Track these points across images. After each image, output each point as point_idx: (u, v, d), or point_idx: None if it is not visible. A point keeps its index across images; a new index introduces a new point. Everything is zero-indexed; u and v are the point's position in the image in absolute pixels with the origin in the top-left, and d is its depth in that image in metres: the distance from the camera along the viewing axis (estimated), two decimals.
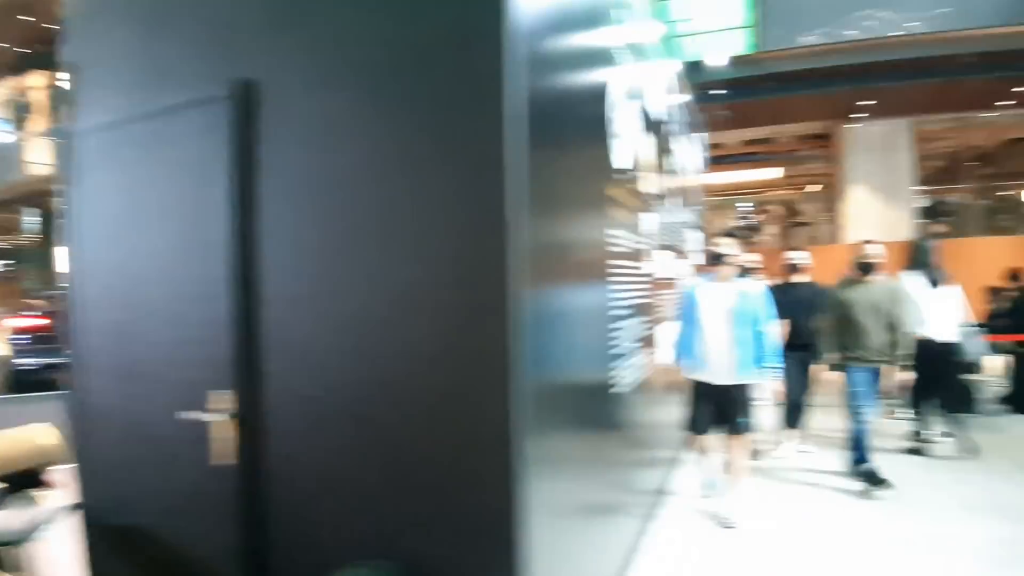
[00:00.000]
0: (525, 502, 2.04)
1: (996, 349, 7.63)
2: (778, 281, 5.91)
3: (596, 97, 3.21)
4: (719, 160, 17.23)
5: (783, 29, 10.62)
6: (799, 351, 5.54)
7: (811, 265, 5.88)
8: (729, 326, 4.26)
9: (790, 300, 5.56)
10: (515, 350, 2.01)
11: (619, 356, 3.47)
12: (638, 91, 4.27)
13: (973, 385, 7.11)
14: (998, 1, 9.85)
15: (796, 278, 5.87)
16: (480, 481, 2.06)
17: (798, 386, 5.70)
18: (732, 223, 17.16)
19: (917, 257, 6.05)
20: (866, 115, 13.53)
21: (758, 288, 4.39)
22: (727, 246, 4.37)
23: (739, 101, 12.20)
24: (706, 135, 9.34)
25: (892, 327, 4.94)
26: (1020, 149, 16.93)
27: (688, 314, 4.43)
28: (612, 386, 3.34)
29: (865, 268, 5.05)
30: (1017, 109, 14.05)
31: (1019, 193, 18.93)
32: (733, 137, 16.30)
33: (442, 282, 2.08)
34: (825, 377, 5.39)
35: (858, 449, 5.01)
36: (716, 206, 19.76)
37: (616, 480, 3.55)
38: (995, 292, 8.19)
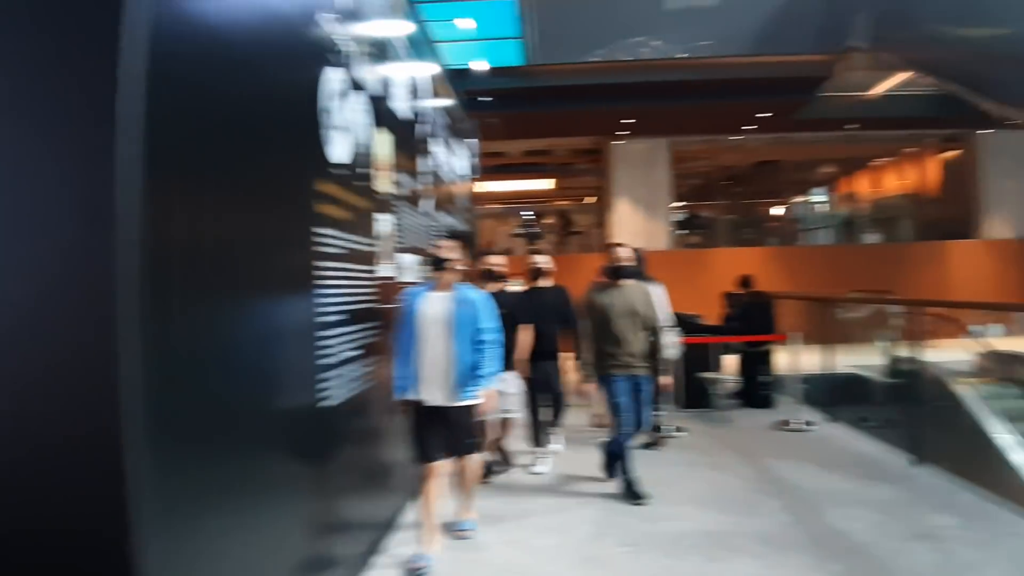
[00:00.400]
0: (145, 559, 1.71)
1: (729, 349, 8.36)
2: (525, 287, 5.84)
3: (301, 87, 2.99)
4: (501, 168, 17.67)
5: (557, 46, 11.03)
6: (546, 359, 5.48)
7: (554, 269, 5.84)
8: (448, 339, 3.82)
9: (535, 306, 5.45)
10: (127, 369, 1.67)
11: (331, 367, 3.21)
12: (377, 87, 4.09)
13: (707, 382, 7.69)
14: (749, 34, 10.94)
15: (542, 283, 5.76)
16: (86, 530, 1.70)
17: (544, 395, 5.63)
18: (513, 230, 17.65)
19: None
20: (628, 133, 14.46)
21: (480, 295, 4.02)
22: (448, 249, 3.96)
23: (514, 111, 12.48)
24: (477, 142, 9.39)
25: (650, 330, 4.95)
26: (765, 171, 19.06)
27: (405, 327, 3.90)
28: (320, 400, 3.08)
29: (616, 272, 5.02)
30: (759, 133, 15.75)
31: (763, 209, 21.29)
32: (514, 147, 16.76)
33: (43, 290, 1.70)
34: (579, 382, 5.26)
35: (618, 459, 4.95)
36: (499, 213, 20.27)
37: (322, 509, 3.23)
38: (730, 297, 8.96)
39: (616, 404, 4.88)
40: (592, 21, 11.27)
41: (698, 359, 7.76)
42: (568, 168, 18.06)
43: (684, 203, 19.88)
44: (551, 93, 11.67)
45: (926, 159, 17.21)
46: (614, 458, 5.00)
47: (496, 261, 5.39)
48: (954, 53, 9.10)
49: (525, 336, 5.22)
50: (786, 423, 7.10)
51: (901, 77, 11.71)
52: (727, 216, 18.88)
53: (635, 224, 15.06)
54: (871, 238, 17.83)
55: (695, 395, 7.69)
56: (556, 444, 5.87)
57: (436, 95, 6.48)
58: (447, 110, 7.16)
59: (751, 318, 8.26)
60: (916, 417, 5.96)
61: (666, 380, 5.13)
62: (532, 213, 19.07)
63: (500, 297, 5.06)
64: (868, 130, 15.41)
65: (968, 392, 8.66)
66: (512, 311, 5.02)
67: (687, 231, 18.40)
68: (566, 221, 17.21)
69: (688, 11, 11.26)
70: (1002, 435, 7.79)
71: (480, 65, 9.35)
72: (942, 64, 9.53)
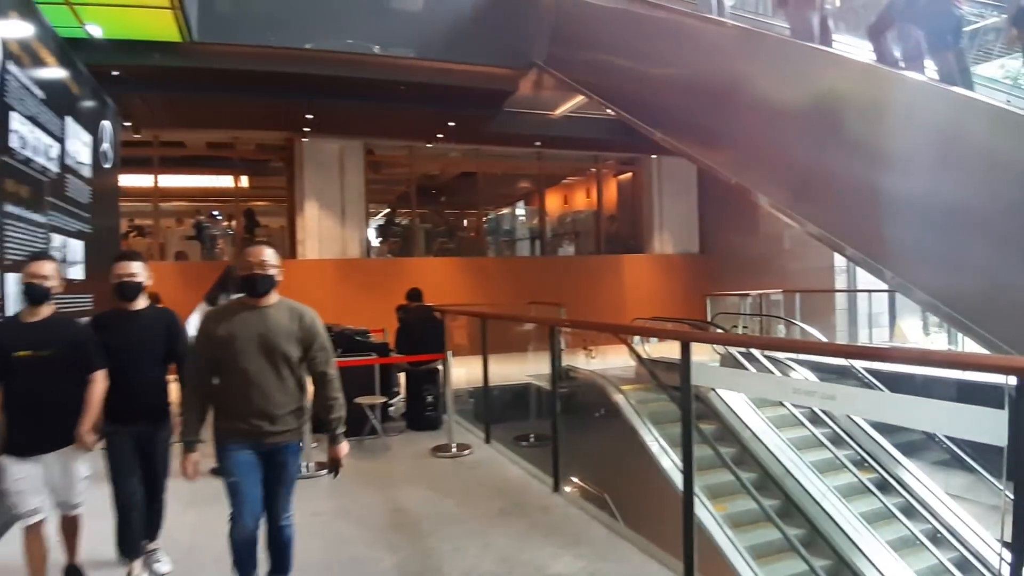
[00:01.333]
0: None
1: (398, 368, 7.78)
2: (111, 308, 4.03)
3: None
4: (181, 161, 15.63)
5: (226, 25, 9.80)
6: (138, 420, 3.80)
7: (151, 283, 4.00)
8: None
9: (121, 339, 3.77)
10: None
11: None
12: None
13: (366, 407, 6.98)
14: (442, 40, 10.62)
15: (139, 304, 3.90)
16: None
17: (134, 480, 3.78)
18: (187, 233, 15.58)
19: (225, 282, 5.75)
20: (310, 131, 13.42)
21: None
22: None
23: (172, 94, 10.80)
24: (109, 124, 7.78)
25: (320, 375, 3.48)
26: (466, 182, 19.10)
27: None
28: None
29: (253, 285, 3.37)
30: (455, 143, 15.62)
31: (464, 220, 21.45)
32: (193, 137, 14.83)
33: None
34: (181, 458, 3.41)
35: (240, 563, 3.37)
36: (179, 212, 17.95)
37: None
38: (401, 310, 8.38)
39: (233, 485, 3.30)
40: (275, 3, 10.27)
41: (359, 381, 7.01)
42: (262, 165, 16.50)
43: (385, 210, 19.34)
44: (215, 76, 10.19)
45: (607, 179, 18.47)
46: (242, 554, 3.35)
47: (41, 271, 3.50)
48: (611, 79, 9.55)
49: (98, 386, 3.58)
50: (444, 448, 6.64)
51: (582, 99, 12.13)
52: (427, 225, 18.66)
53: (327, 229, 14.01)
54: (562, 250, 18.72)
55: (353, 423, 6.92)
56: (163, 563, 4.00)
57: (26, 63, 5.10)
58: (51, 83, 5.70)
59: (420, 334, 7.76)
60: (565, 435, 5.75)
61: (341, 450, 3.57)
62: (218, 213, 17.07)
63: (53, 327, 3.53)
64: (554, 149, 16.08)
65: (623, 399, 9.03)
66: (75, 348, 3.54)
67: (385, 239, 17.82)
68: (251, 222, 15.57)
69: (383, 9, 10.75)
70: (653, 440, 8.17)
71: (94, 31, 7.71)
72: (599, 88, 9.99)
